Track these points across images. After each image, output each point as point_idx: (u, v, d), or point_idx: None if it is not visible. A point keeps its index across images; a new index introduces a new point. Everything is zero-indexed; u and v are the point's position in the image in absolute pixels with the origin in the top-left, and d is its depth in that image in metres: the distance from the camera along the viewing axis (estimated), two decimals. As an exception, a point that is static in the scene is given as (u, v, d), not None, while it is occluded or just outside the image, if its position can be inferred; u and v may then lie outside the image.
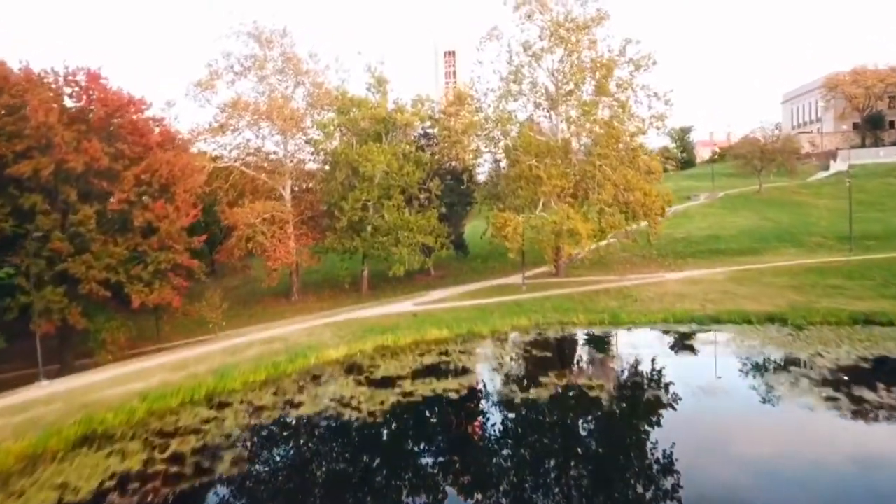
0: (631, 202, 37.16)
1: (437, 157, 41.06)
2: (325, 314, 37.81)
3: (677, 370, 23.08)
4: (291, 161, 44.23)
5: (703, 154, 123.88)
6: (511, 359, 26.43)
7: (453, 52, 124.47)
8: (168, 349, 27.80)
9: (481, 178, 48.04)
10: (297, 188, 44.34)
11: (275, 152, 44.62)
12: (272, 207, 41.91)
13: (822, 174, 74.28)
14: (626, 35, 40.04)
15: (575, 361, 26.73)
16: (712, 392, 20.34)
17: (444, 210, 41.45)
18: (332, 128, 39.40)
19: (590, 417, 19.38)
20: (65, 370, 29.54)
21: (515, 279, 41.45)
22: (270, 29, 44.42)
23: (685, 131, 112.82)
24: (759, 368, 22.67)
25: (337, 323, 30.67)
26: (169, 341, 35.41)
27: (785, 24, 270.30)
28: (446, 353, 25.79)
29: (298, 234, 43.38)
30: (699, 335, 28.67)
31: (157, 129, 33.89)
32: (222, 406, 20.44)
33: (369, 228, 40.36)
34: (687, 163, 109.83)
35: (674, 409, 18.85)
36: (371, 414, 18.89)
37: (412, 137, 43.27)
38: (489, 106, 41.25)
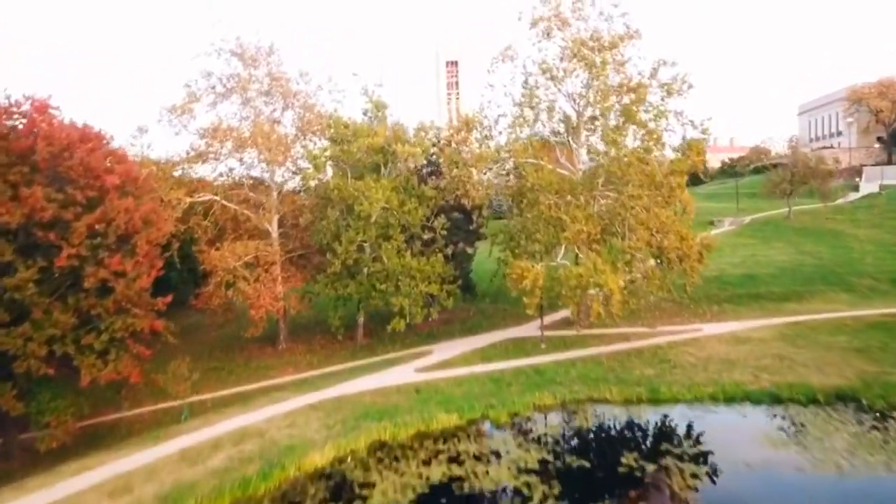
0: (665, 248, 32.37)
1: (442, 191, 36.26)
2: (314, 373, 33.09)
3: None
4: (279, 193, 39.43)
5: (711, 163, 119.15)
6: (540, 474, 19.77)
7: (456, 62, 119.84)
8: (116, 451, 22.74)
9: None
10: (286, 223, 39.49)
11: (261, 183, 39.79)
12: (256, 248, 37.11)
13: (854, 196, 69.46)
14: (656, 54, 35.31)
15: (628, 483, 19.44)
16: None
17: (449, 250, 36.66)
18: (322, 160, 34.63)
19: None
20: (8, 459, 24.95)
21: (530, 329, 36.69)
22: (256, 46, 39.79)
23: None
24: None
25: (325, 404, 25.78)
26: (136, 407, 30.65)
27: (802, 32, 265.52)
28: (458, 460, 20.77)
29: (287, 275, 38.60)
30: (774, 428, 22.80)
31: (117, 167, 29.03)
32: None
33: (366, 272, 35.56)
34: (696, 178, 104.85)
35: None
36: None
37: (414, 167, 38.49)
38: (500, 133, 36.64)
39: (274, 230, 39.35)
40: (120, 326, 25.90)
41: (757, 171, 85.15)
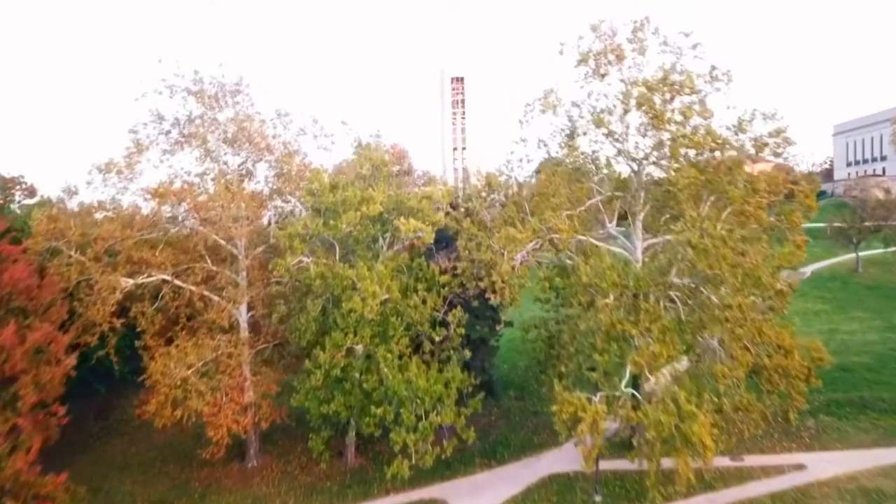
0: (765, 366, 23.80)
1: (458, 275, 27.54)
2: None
3: None
4: (249, 272, 30.77)
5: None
6: None
7: (462, 78, 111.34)
8: None
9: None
10: (256, 308, 30.72)
11: (227, 257, 31.12)
12: (215, 348, 28.50)
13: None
14: (745, 101, 26.78)
15: None
16: None
17: (468, 353, 27.92)
18: (299, 245, 25.88)
19: None
20: None
21: (573, 455, 27.91)
22: (219, 82, 31.30)
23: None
24: None
25: None
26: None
27: (830, 45, 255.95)
28: None
29: (257, 379, 29.95)
30: None
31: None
32: None
33: (357, 381, 26.86)
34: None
35: None
36: None
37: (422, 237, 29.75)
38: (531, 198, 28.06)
39: (242, 319, 30.68)
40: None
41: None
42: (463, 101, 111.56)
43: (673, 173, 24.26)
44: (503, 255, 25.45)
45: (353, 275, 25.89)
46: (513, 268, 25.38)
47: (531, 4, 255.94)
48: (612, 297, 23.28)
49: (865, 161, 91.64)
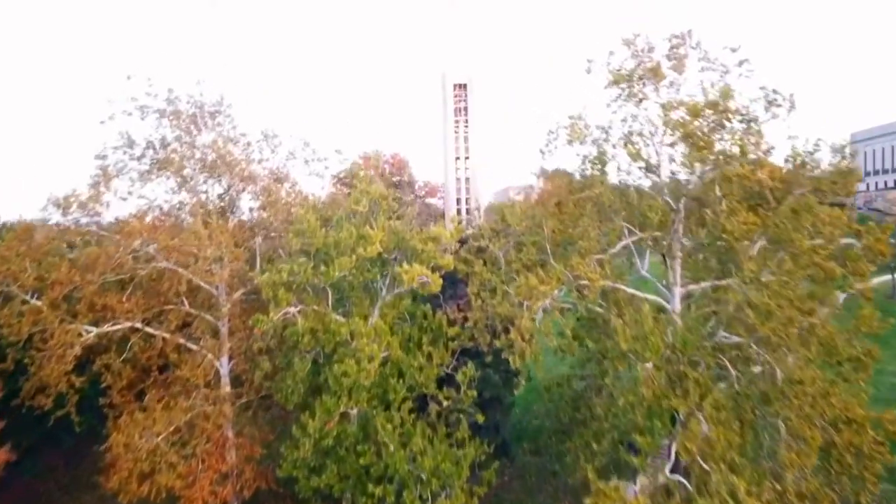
0: (835, 444, 20.11)
1: (470, 327, 23.85)
2: None
3: None
4: (231, 319, 27.06)
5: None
6: None
7: (464, 85, 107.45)
8: None
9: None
10: (237, 358, 27.01)
11: (205, 301, 27.42)
12: (190, 408, 24.82)
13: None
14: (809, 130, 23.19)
15: None
16: None
17: (481, 417, 24.16)
18: (283, 294, 22.18)
19: None
20: None
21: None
22: (198, 102, 27.73)
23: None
24: None
25: None
26: None
27: (839, 51, 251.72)
28: None
29: (240, 441, 26.30)
30: None
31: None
32: None
33: (352, 455, 23.15)
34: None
35: None
36: None
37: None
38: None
39: (223, 371, 27.01)
40: None
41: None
42: (466, 108, 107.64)
43: (724, 214, 20.51)
44: (524, 306, 21.77)
45: (347, 330, 22.24)
46: (534, 320, 21.74)
47: (535, 8, 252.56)
48: (652, 367, 19.64)
49: (885, 171, 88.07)
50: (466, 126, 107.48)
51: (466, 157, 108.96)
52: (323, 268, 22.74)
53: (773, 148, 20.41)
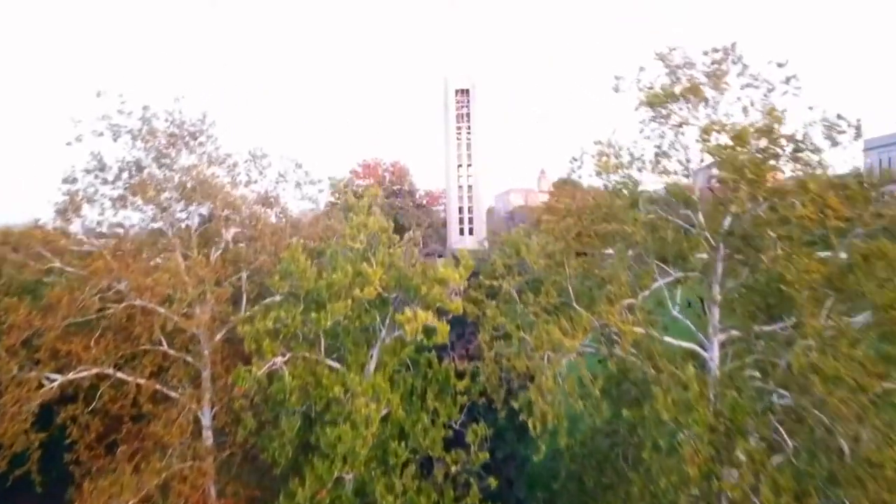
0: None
1: (482, 383, 20.97)
2: None
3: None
4: (213, 366, 24.19)
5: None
6: None
7: (467, 91, 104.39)
8: None
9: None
10: (219, 420, 24.07)
11: (183, 344, 24.53)
12: (166, 468, 21.95)
13: None
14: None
15: None
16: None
17: (494, 481, 21.25)
18: (268, 344, 19.32)
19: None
20: None
21: None
22: (177, 120, 24.97)
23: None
24: None
25: None
26: None
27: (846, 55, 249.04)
28: None
29: (223, 502, 23.44)
30: None
31: None
32: None
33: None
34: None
35: None
36: None
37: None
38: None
39: (205, 422, 24.17)
40: None
41: None
42: (468, 114, 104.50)
43: (780, 259, 17.66)
44: (544, 360, 18.93)
45: (340, 388, 19.41)
46: (556, 378, 18.92)
47: (539, 12, 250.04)
48: (695, 435, 16.80)
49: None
50: (469, 132, 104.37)
51: (469, 165, 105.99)
52: (314, 314, 19.89)
53: (842, 184, 17.55)
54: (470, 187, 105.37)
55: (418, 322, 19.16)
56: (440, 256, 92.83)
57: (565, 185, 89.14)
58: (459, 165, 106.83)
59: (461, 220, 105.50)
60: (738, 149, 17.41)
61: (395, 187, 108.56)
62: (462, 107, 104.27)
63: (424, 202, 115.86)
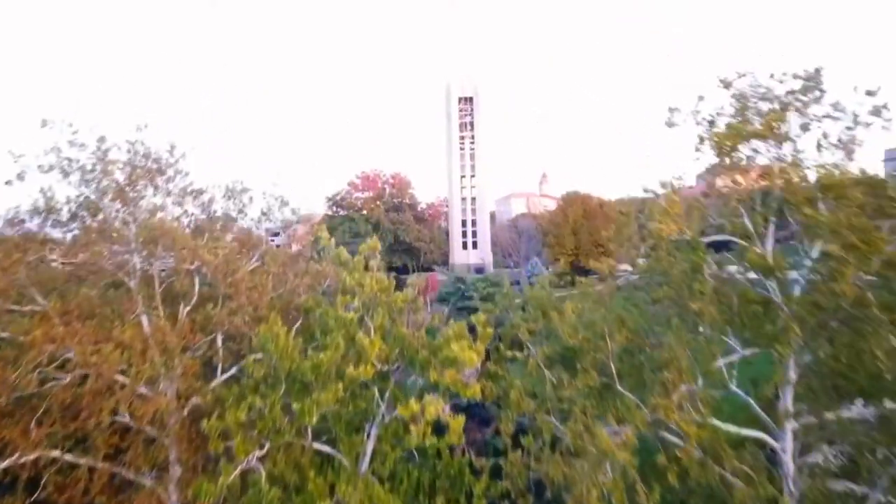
0: None
1: (504, 479, 16.96)
2: None
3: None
4: (179, 445, 20.24)
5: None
6: None
7: (470, 98, 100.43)
8: None
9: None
10: None
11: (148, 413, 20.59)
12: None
13: None
14: None
15: None
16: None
17: None
18: (241, 442, 15.47)
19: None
20: None
21: None
22: (142, 149, 21.12)
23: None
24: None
25: None
26: None
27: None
28: None
29: None
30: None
31: None
32: None
33: None
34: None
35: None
36: None
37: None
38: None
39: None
40: None
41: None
42: (471, 122, 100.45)
43: (884, 346, 13.80)
44: (586, 467, 15.04)
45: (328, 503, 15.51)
46: (601, 494, 15.01)
47: (543, 18, 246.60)
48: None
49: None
50: (472, 142, 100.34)
51: (472, 175, 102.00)
52: (296, 405, 15.99)
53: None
54: (473, 199, 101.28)
55: (426, 424, 15.29)
56: (431, 270, 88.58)
57: (574, 199, 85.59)
58: (462, 176, 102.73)
59: (464, 234, 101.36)
60: (844, 209, 13.54)
61: (395, 200, 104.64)
62: (465, 115, 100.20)
63: (426, 216, 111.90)
